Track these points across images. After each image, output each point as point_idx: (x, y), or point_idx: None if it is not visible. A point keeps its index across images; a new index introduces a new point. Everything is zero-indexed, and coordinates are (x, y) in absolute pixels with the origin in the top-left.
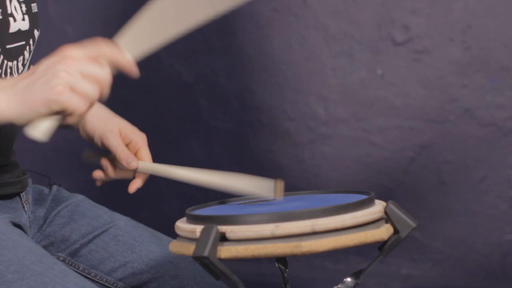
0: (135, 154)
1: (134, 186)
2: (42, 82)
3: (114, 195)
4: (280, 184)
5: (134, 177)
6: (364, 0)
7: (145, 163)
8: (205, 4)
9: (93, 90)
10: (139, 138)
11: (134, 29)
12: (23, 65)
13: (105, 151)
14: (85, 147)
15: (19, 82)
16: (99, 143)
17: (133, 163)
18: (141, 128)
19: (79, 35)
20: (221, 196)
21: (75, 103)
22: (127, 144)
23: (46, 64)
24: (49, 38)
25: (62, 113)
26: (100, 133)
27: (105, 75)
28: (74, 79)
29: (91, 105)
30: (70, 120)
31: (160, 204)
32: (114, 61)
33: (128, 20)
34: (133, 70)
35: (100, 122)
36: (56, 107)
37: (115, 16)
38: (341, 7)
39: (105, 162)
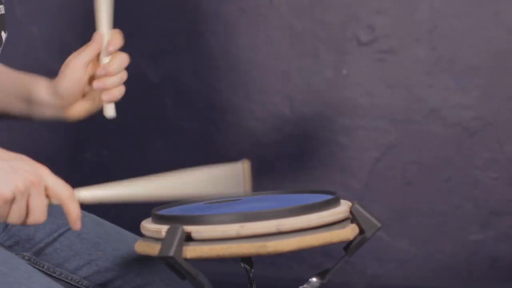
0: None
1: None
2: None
3: None
4: (247, 165)
5: None
6: (330, 0)
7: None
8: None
9: (20, 219)
10: None
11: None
12: None
13: None
14: (51, 148)
15: None
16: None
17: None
18: (106, 128)
19: (45, 35)
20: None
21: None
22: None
23: (18, 165)
24: (14, 38)
25: None
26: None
27: (40, 216)
28: (22, 198)
29: (3, 220)
30: None
31: (125, 204)
32: (65, 209)
33: (93, 19)
34: (74, 225)
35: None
36: None
37: (81, 15)
38: (306, 7)
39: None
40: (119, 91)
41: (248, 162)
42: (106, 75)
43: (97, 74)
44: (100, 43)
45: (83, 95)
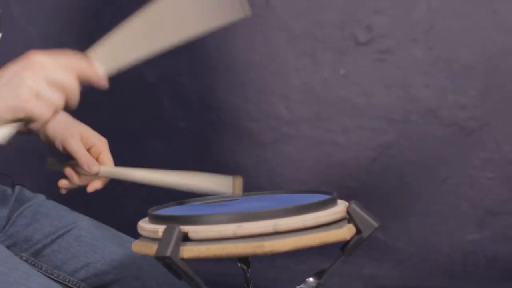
0: (97, 159)
1: (93, 186)
2: (7, 89)
3: (76, 195)
4: (239, 181)
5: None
6: (328, 0)
7: (107, 167)
8: (189, 22)
9: (58, 98)
10: (100, 143)
11: (111, 42)
12: None
13: (68, 159)
14: (48, 151)
15: None
16: (60, 148)
17: (95, 168)
18: (104, 127)
19: (42, 35)
20: (183, 196)
21: (41, 111)
22: (89, 149)
23: (12, 70)
24: (12, 38)
25: (26, 120)
26: (61, 138)
27: (72, 83)
28: (40, 87)
29: (55, 112)
30: (33, 127)
31: (122, 204)
32: (81, 73)
33: (91, 19)
34: (102, 83)
35: (61, 127)
36: (22, 115)
37: (78, 15)
38: (304, 7)
39: (69, 170)
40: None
41: (240, 178)
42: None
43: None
44: (89, 171)
45: None
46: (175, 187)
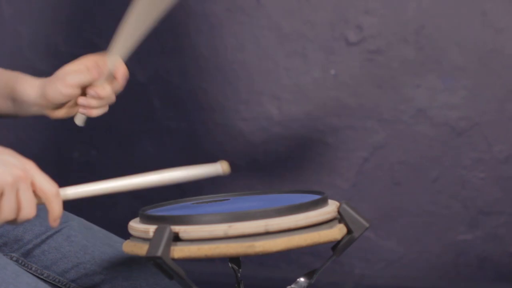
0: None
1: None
2: None
3: None
4: (225, 164)
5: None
6: (318, 0)
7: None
8: None
9: (11, 214)
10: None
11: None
12: None
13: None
14: (42, 152)
15: None
16: (60, 97)
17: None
18: (94, 128)
19: (33, 35)
20: (176, 196)
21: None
22: None
23: (6, 158)
24: (2, 38)
25: None
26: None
27: (30, 212)
28: (9, 192)
29: None
30: None
31: (113, 204)
32: (48, 206)
33: (81, 19)
34: (53, 223)
35: (39, 87)
36: None
37: (69, 16)
38: (294, 7)
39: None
40: (99, 111)
41: (226, 163)
42: (95, 97)
43: (87, 91)
44: (102, 73)
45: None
46: (157, 185)
